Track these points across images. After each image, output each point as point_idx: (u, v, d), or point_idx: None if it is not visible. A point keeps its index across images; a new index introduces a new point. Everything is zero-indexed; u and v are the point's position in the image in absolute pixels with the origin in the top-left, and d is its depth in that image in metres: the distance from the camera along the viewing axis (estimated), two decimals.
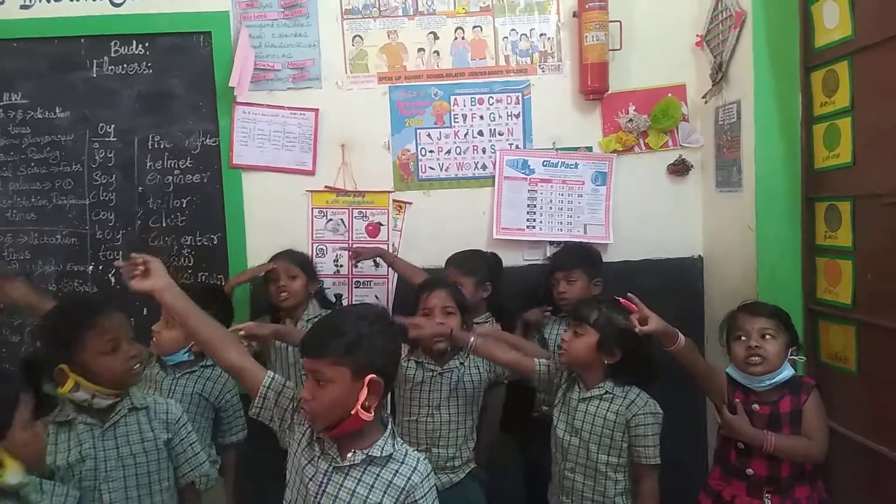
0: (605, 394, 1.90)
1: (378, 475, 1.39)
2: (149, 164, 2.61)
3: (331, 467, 1.40)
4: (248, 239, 2.61)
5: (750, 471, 1.83)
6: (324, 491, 1.38)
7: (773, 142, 2.18)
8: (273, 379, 1.49)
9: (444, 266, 2.40)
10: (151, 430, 1.69)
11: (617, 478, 1.88)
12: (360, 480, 1.38)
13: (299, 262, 2.39)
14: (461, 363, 2.07)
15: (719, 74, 2.36)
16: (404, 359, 2.04)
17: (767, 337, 1.81)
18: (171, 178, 2.62)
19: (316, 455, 1.42)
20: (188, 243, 2.63)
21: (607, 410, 1.88)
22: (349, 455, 1.39)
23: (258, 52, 2.59)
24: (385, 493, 1.38)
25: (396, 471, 1.40)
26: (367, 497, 1.37)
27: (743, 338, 1.84)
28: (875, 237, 1.90)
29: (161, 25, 2.57)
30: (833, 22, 2.01)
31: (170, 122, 2.61)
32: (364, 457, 1.39)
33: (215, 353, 1.51)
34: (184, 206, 2.63)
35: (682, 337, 1.83)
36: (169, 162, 2.62)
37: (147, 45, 2.59)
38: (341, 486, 1.38)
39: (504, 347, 2.05)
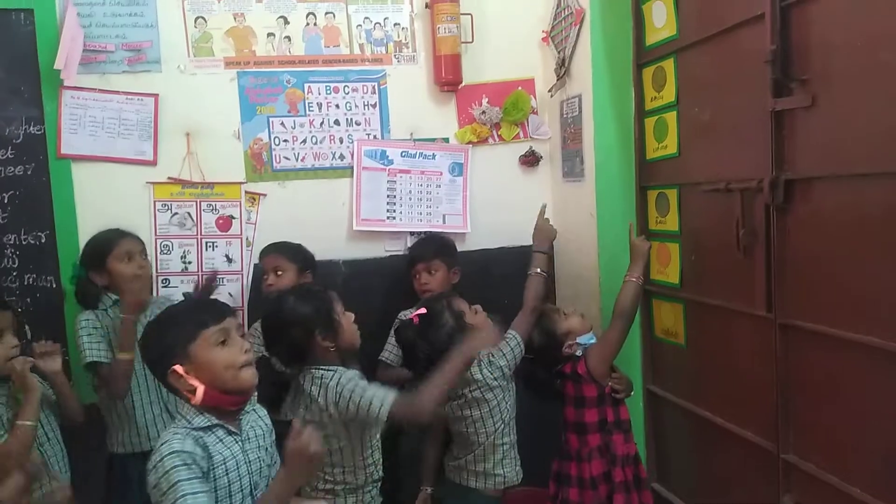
0: None
1: None
2: None
3: None
4: (80, 236, 2.39)
5: (624, 416, 2.06)
6: None
7: (609, 134, 2.31)
8: None
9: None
10: None
11: None
12: None
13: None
14: None
15: (562, 69, 2.47)
16: None
17: None
18: None
19: None
20: (11, 242, 2.37)
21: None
22: None
23: (88, 32, 2.37)
24: None
25: None
26: None
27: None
28: (696, 221, 2.06)
29: None
30: (661, 21, 2.13)
31: None
32: None
33: None
34: (5, 201, 2.36)
35: None
36: None
37: None
38: None
39: None
